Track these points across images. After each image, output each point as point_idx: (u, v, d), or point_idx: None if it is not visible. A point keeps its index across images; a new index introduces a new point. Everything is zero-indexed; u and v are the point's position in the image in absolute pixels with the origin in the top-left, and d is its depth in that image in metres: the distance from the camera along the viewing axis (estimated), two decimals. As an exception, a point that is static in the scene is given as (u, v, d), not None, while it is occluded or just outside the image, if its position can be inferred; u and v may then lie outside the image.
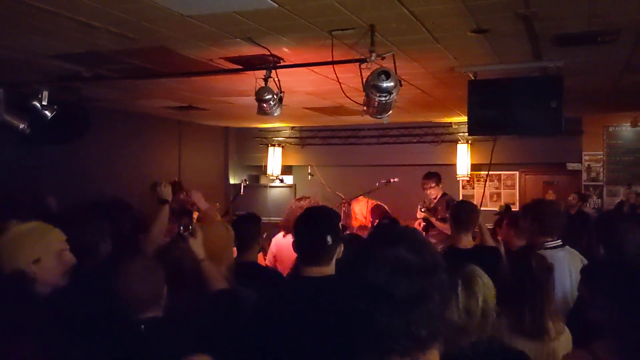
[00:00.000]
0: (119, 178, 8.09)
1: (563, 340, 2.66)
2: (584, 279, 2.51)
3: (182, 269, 2.98)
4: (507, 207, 8.55)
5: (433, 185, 7.02)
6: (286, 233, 4.92)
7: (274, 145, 11.05)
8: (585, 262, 3.57)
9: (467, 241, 4.08)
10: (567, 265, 3.59)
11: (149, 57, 5.05)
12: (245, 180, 10.68)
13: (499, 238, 5.32)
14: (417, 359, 1.27)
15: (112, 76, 5.87)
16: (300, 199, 5.34)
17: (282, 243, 4.98)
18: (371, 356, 1.29)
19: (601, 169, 9.41)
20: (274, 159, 10.98)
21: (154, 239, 3.62)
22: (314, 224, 2.66)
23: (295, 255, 2.69)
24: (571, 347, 2.68)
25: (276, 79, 4.78)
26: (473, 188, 9.99)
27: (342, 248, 2.64)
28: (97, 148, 7.79)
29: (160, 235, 3.71)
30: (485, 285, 2.25)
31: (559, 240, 3.72)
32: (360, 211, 7.53)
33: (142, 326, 2.43)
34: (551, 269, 2.79)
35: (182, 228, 3.09)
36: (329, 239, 2.56)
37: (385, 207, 7.26)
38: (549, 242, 3.70)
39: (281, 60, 4.99)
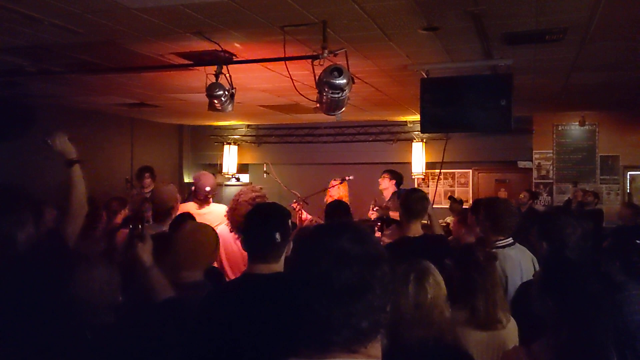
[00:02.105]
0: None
1: (510, 329, 2.70)
2: (536, 274, 2.55)
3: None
4: (460, 200, 8.74)
5: (388, 181, 7.05)
6: (232, 228, 4.26)
7: (229, 144, 10.95)
8: (535, 259, 3.63)
9: (416, 230, 4.10)
10: (518, 263, 3.63)
11: (96, 51, 4.92)
12: (200, 179, 10.53)
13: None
14: (359, 351, 1.26)
15: (58, 71, 5.69)
16: (252, 189, 4.95)
17: (227, 238, 4.27)
18: (313, 349, 1.27)
19: (551, 167, 9.65)
20: (230, 157, 10.88)
21: (74, 215, 3.08)
22: (262, 221, 2.62)
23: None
24: (517, 336, 2.72)
25: (228, 74, 4.72)
26: (428, 186, 10.09)
27: (291, 245, 2.62)
28: (43, 146, 7.53)
29: (81, 208, 3.13)
30: (437, 283, 2.26)
31: (510, 239, 3.76)
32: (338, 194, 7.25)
33: (88, 331, 2.36)
34: (496, 257, 2.83)
35: (132, 230, 2.97)
36: (277, 236, 2.53)
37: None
38: (500, 240, 3.73)
39: (233, 56, 4.92)
